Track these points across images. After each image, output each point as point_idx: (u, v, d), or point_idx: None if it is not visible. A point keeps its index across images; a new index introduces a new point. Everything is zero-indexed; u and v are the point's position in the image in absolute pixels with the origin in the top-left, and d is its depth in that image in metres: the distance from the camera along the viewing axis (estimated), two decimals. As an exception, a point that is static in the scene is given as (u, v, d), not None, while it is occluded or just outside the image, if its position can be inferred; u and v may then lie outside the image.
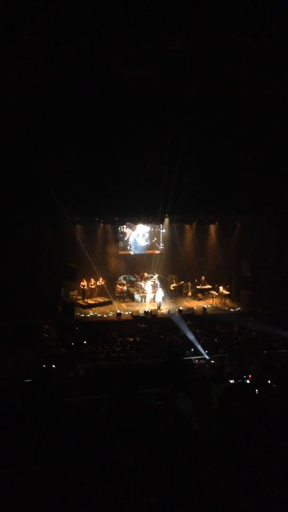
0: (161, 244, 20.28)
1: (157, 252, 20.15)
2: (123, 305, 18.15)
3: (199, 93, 11.86)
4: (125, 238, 19.88)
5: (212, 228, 20.41)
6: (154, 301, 18.21)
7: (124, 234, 19.84)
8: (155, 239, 20.22)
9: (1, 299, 14.58)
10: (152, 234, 20.23)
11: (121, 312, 16.74)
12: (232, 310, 18.37)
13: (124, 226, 19.65)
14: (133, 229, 19.86)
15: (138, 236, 19.99)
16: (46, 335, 14.52)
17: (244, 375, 9.49)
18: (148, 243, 20.20)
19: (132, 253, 20.00)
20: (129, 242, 19.94)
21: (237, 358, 11.64)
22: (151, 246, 20.24)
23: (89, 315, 17.01)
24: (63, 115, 12.74)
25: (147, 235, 20.16)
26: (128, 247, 19.94)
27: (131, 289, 19.30)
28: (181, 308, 17.50)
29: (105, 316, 16.95)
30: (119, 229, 19.66)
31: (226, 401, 2.21)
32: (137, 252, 20.03)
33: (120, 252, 19.74)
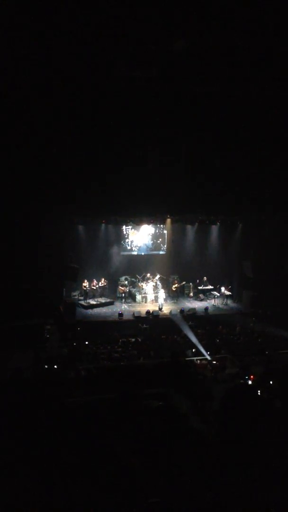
0: (164, 245, 20.27)
1: (161, 253, 20.18)
2: (125, 306, 18.14)
3: (201, 93, 11.88)
4: (128, 239, 19.86)
5: (214, 228, 20.38)
6: (156, 302, 18.20)
7: (127, 234, 19.83)
8: (160, 240, 20.21)
9: (3, 299, 14.59)
10: (157, 235, 20.22)
11: (123, 312, 16.73)
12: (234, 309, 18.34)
13: (127, 226, 19.64)
14: (136, 230, 19.84)
15: (141, 236, 19.97)
16: (48, 336, 14.52)
17: (246, 376, 9.48)
18: (151, 244, 20.19)
19: (135, 254, 19.99)
20: (132, 243, 19.92)
21: (239, 359, 11.62)
22: (155, 247, 20.23)
23: (91, 316, 17.02)
24: (65, 115, 12.76)
25: (150, 235, 20.15)
26: (131, 248, 19.92)
27: (133, 290, 19.30)
28: (183, 308, 17.49)
29: (107, 316, 16.96)
30: (122, 229, 19.64)
31: (228, 402, 2.20)
32: (140, 252, 20.02)
33: (122, 253, 19.72)
